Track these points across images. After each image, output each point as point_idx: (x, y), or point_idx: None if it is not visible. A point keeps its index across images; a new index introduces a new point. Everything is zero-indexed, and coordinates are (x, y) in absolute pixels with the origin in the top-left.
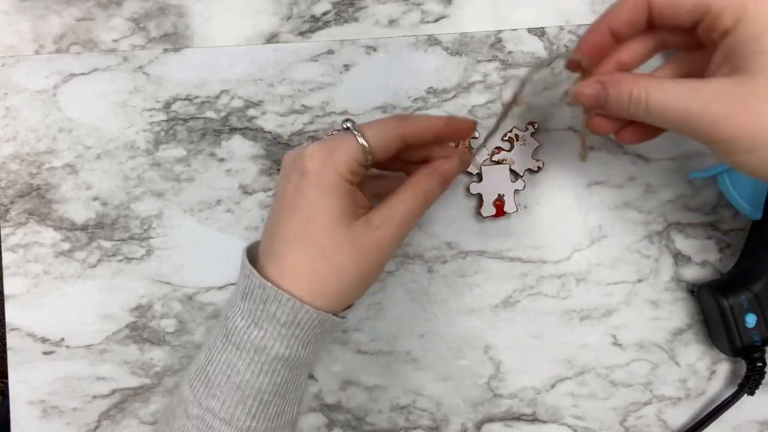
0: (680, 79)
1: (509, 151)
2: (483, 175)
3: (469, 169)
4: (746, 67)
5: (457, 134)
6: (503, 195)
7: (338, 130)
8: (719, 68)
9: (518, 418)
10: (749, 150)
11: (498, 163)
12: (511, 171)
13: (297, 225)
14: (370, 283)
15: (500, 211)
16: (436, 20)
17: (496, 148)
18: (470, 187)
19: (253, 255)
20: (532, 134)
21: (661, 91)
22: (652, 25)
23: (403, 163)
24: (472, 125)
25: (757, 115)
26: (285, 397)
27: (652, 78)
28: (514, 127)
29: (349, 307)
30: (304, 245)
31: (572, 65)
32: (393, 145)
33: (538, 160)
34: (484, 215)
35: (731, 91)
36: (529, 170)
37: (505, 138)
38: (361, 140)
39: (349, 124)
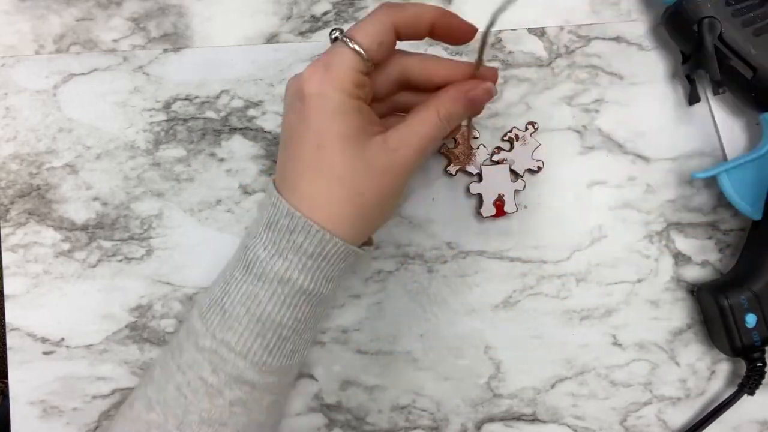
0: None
1: (509, 151)
2: (483, 175)
3: (469, 169)
4: None
5: (452, 29)
6: (503, 195)
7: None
8: None
9: (518, 418)
10: None
11: (498, 163)
12: (511, 171)
13: (307, 153)
14: (391, 209)
15: (500, 211)
16: None
17: (496, 148)
18: (470, 187)
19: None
20: (532, 134)
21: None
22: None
23: (412, 93)
24: (473, 29)
25: None
26: (302, 335)
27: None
28: (514, 127)
29: (370, 244)
30: (318, 172)
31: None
32: (387, 39)
33: (538, 160)
34: (484, 215)
35: None
36: (529, 170)
37: (505, 138)
38: (353, 45)
39: (336, 34)
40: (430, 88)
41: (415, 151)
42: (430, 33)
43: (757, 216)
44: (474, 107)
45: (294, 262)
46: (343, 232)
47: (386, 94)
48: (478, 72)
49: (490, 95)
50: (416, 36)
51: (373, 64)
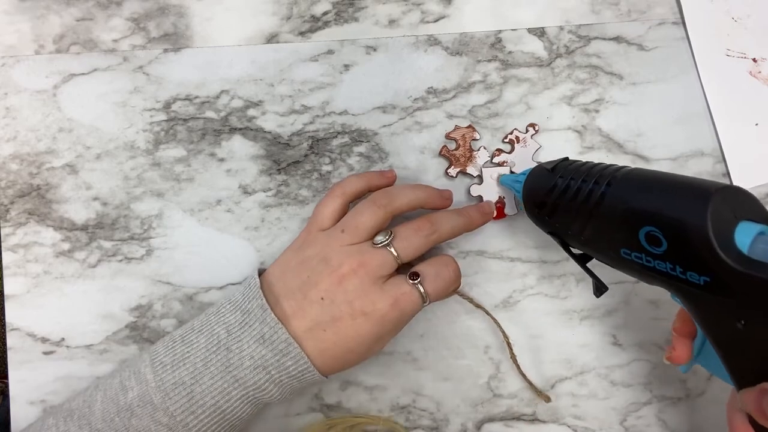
0: None
1: (510, 153)
2: (483, 177)
3: (469, 171)
4: None
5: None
6: (504, 197)
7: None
8: None
9: (518, 418)
10: None
11: (499, 165)
12: (512, 173)
13: (344, 334)
14: (371, 354)
15: (501, 213)
16: (436, 20)
17: (497, 150)
18: (471, 189)
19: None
20: (532, 136)
21: None
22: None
23: None
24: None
25: None
26: (247, 422)
27: None
28: (515, 129)
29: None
30: (336, 342)
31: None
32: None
33: (538, 162)
34: None
35: None
36: None
37: (505, 140)
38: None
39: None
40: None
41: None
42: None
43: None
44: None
45: (274, 377)
46: (327, 371)
47: None
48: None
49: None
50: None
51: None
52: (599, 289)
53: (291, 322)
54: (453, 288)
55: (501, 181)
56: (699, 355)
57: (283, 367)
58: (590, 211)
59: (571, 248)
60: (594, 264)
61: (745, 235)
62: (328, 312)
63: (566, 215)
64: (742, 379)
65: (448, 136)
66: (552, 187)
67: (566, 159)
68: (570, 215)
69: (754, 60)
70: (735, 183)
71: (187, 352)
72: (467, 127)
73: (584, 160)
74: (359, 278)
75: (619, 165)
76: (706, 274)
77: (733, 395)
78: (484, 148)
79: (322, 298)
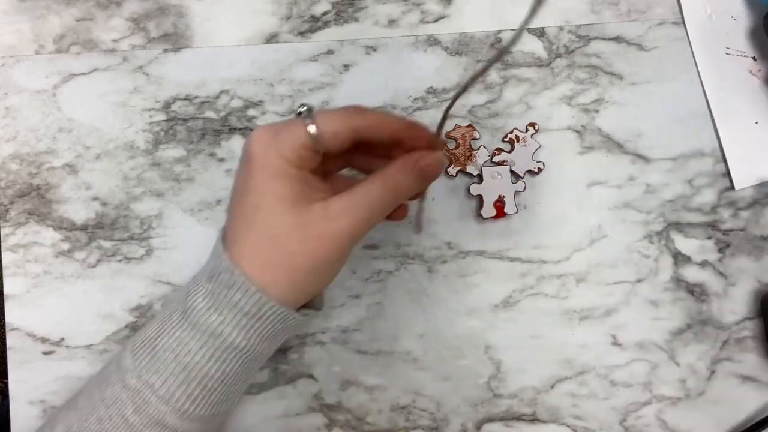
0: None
1: (510, 152)
2: (483, 176)
3: (469, 170)
4: None
5: (415, 141)
6: (503, 196)
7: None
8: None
9: (518, 418)
10: None
11: (498, 164)
12: (512, 172)
13: (247, 211)
14: (328, 276)
15: (501, 212)
16: (436, 20)
17: (497, 149)
18: (471, 188)
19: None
20: (532, 135)
21: None
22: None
23: (377, 158)
24: (435, 141)
25: None
26: (231, 387)
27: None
28: (515, 128)
29: (313, 307)
30: (254, 232)
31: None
32: (344, 135)
33: (538, 162)
34: (485, 216)
35: None
36: (530, 171)
37: (505, 139)
38: (310, 127)
39: (302, 109)
40: (381, 148)
41: (356, 222)
42: (393, 142)
43: None
44: (425, 178)
45: (229, 318)
46: (279, 294)
47: (338, 153)
48: (437, 141)
49: (440, 166)
50: (379, 140)
51: (325, 149)
52: None
53: (232, 250)
54: (354, 123)
55: None
56: None
57: (233, 303)
58: None
59: None
60: None
61: None
62: (245, 212)
63: None
64: None
65: (448, 135)
66: None
67: None
68: None
69: (754, 59)
70: (735, 182)
71: (159, 312)
72: (467, 127)
73: None
74: (260, 159)
75: None
76: None
77: None
78: (484, 147)
79: (233, 200)
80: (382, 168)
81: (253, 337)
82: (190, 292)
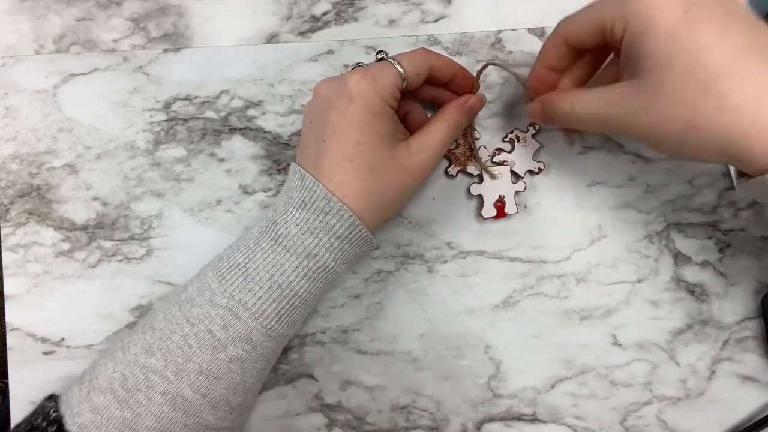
0: (595, 88)
1: (510, 152)
2: (484, 177)
3: (469, 170)
4: (636, 67)
5: (464, 80)
6: (504, 196)
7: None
8: (624, 72)
9: (518, 418)
10: (658, 142)
11: (499, 164)
12: (512, 172)
13: (347, 147)
14: (405, 203)
15: (501, 212)
16: (436, 20)
17: (497, 149)
18: (471, 188)
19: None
20: (533, 135)
21: (581, 102)
22: (578, 51)
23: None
24: (475, 82)
25: (644, 112)
26: (308, 307)
27: (575, 92)
28: (515, 128)
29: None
30: (355, 164)
31: (528, 98)
32: (424, 72)
33: (539, 162)
34: (485, 217)
35: (626, 93)
36: (530, 171)
37: (506, 139)
38: (398, 68)
39: (382, 54)
40: (439, 83)
41: (432, 155)
42: (447, 83)
43: None
44: (471, 114)
45: (323, 241)
46: (368, 219)
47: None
48: (474, 88)
49: (482, 104)
50: (438, 81)
51: (407, 87)
52: None
53: (321, 179)
54: (427, 61)
55: None
56: None
57: (329, 227)
58: None
59: None
60: None
61: None
62: (345, 147)
63: None
64: None
65: None
66: None
67: None
68: None
69: None
70: (735, 181)
71: (241, 241)
72: (467, 126)
73: None
74: (362, 98)
75: None
76: None
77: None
78: (485, 147)
79: (330, 137)
80: (441, 110)
81: (340, 258)
82: (278, 222)
